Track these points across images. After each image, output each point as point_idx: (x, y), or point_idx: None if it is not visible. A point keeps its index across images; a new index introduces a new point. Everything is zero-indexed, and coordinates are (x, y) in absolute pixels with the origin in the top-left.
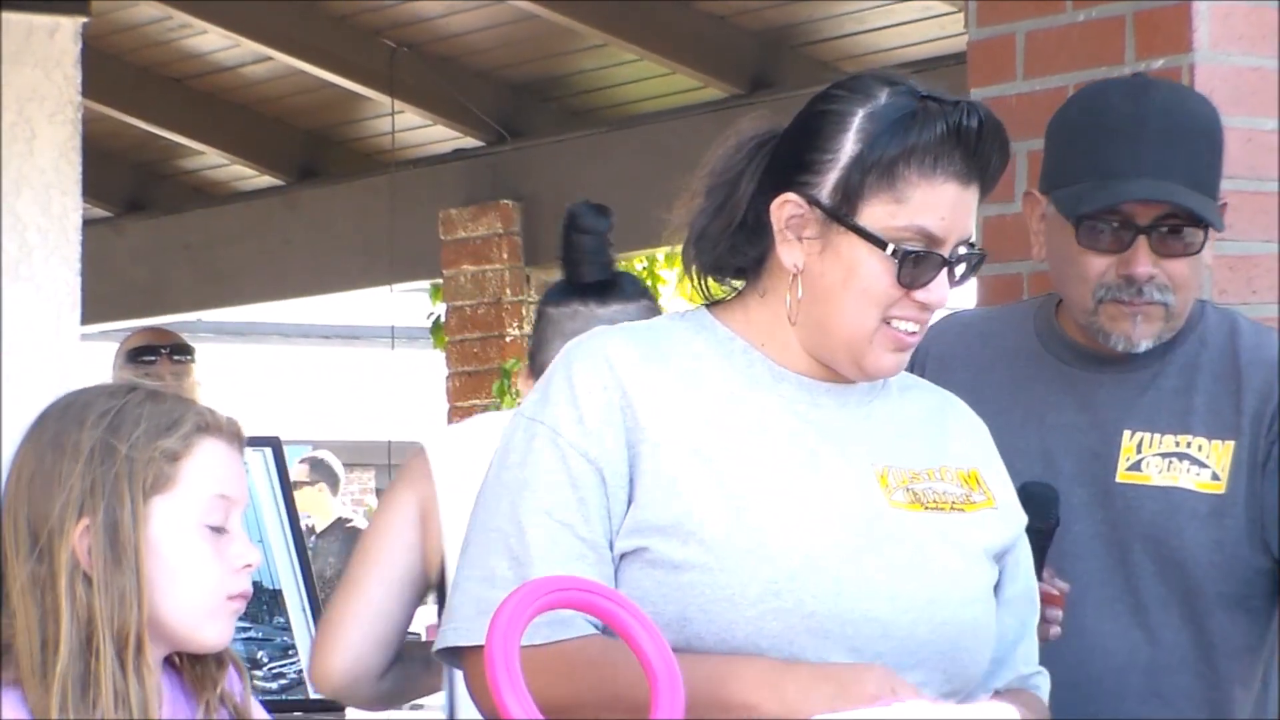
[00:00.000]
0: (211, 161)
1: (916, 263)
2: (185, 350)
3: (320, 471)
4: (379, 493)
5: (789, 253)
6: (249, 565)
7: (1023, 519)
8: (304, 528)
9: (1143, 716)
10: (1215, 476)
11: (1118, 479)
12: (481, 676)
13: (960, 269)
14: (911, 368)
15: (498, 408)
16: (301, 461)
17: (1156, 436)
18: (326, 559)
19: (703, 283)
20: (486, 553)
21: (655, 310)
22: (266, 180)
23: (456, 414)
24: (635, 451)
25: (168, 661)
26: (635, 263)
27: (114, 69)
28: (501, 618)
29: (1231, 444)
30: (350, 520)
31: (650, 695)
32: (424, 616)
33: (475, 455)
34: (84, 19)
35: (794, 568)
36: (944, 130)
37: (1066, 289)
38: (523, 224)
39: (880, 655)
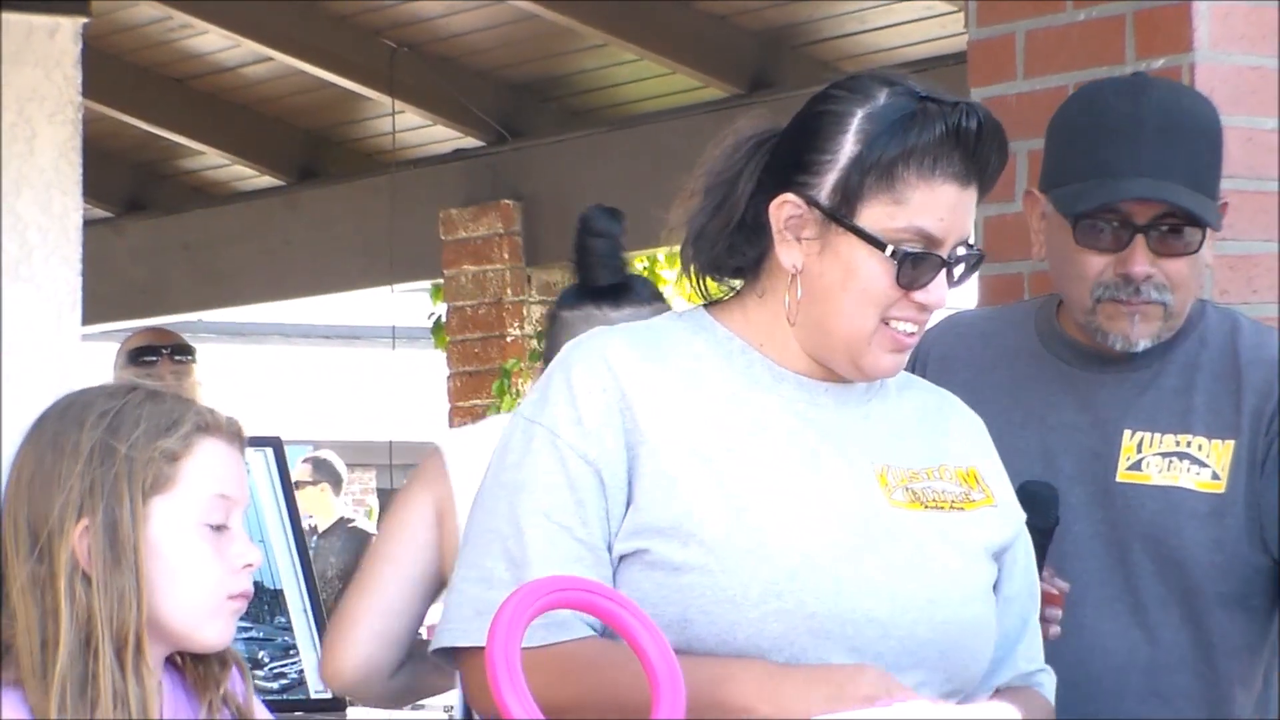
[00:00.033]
0: (212, 162)
1: (915, 264)
2: (186, 350)
3: (323, 471)
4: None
5: (788, 253)
6: (250, 565)
7: (1021, 516)
8: (307, 527)
9: (1142, 715)
10: (1215, 476)
11: (1118, 478)
12: (477, 677)
13: (959, 270)
14: (913, 368)
15: (498, 408)
16: (304, 461)
17: (1157, 436)
18: (328, 559)
19: (701, 282)
20: (484, 554)
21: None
22: (267, 180)
23: (457, 414)
24: (634, 453)
25: (170, 662)
26: (636, 263)
27: (114, 69)
28: (503, 617)
29: (1231, 443)
30: (352, 520)
31: (651, 696)
32: (435, 615)
33: (490, 456)
34: (84, 19)
35: (794, 568)
36: (943, 131)
37: (1065, 288)
38: (523, 224)
39: (881, 655)
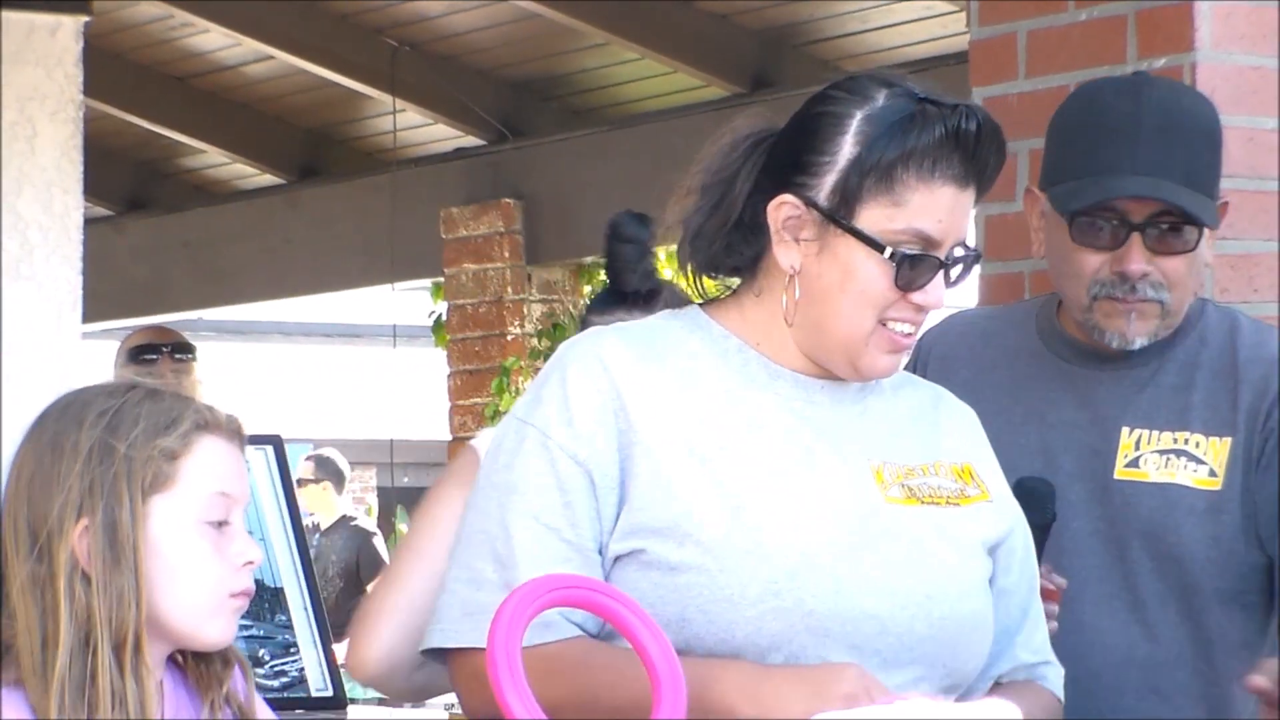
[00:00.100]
0: (213, 160)
1: (914, 265)
2: (186, 349)
3: (326, 469)
4: (380, 491)
5: (786, 254)
6: (250, 563)
7: (1017, 510)
8: (309, 525)
9: (1141, 712)
10: (1213, 473)
11: (1116, 475)
12: (466, 677)
13: (956, 270)
14: (913, 367)
15: (497, 406)
16: (307, 459)
17: (1155, 433)
18: (330, 556)
19: (698, 281)
20: (473, 555)
21: None
22: (268, 179)
23: (457, 412)
24: (627, 453)
25: (173, 660)
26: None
27: (115, 68)
28: (504, 616)
29: (1229, 440)
30: (355, 518)
31: (652, 694)
32: None
33: None
34: (85, 18)
35: (792, 566)
36: (942, 134)
37: (1063, 286)
38: (524, 222)
39: (879, 652)
